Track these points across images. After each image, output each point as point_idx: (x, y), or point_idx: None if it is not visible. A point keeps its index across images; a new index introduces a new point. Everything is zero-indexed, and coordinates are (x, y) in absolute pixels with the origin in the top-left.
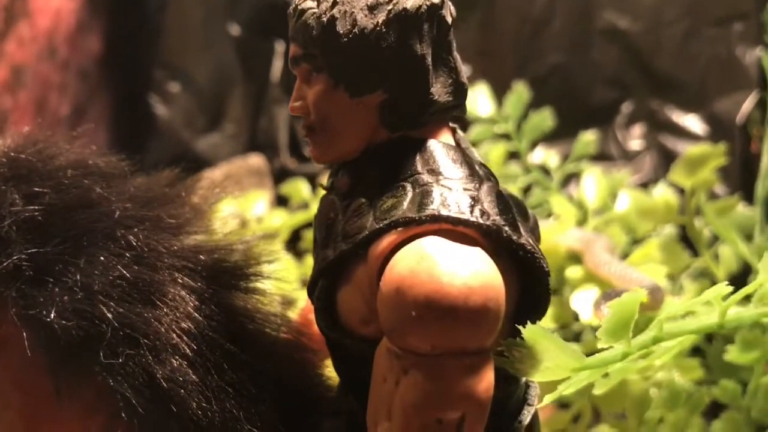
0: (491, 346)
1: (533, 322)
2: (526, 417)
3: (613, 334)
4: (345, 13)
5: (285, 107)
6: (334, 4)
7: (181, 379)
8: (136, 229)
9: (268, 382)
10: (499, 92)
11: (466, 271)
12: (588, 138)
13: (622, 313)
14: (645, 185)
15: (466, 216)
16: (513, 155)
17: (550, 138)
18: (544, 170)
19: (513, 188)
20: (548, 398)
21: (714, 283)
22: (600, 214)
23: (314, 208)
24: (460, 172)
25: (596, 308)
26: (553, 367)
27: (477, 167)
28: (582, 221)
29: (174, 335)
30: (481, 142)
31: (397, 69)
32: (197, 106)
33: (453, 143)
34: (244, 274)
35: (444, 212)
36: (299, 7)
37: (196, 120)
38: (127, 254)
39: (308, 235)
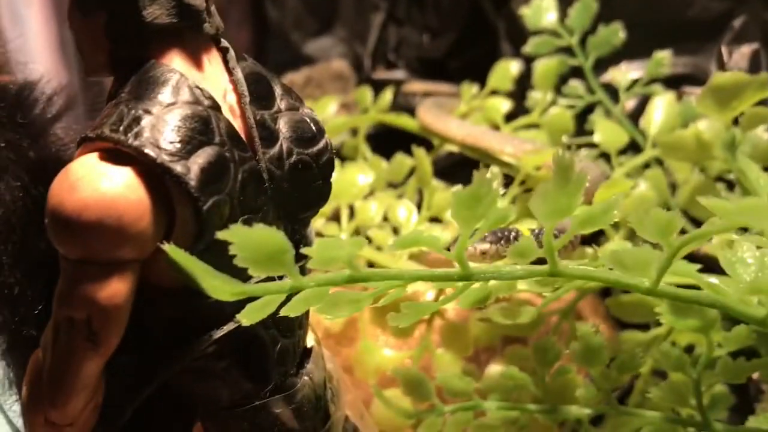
0: (131, 259)
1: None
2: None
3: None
4: None
5: (380, 13)
6: None
7: None
8: None
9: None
10: (569, 3)
11: (89, 188)
12: (661, 56)
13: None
14: None
15: (125, 138)
16: (577, 72)
17: (631, 59)
18: (613, 92)
19: (572, 110)
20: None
21: None
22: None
23: (372, 114)
24: (157, 95)
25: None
26: (214, 286)
27: (187, 91)
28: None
29: None
30: (541, 56)
31: None
32: (306, 9)
33: (179, 64)
34: None
35: (107, 132)
36: None
37: (306, 23)
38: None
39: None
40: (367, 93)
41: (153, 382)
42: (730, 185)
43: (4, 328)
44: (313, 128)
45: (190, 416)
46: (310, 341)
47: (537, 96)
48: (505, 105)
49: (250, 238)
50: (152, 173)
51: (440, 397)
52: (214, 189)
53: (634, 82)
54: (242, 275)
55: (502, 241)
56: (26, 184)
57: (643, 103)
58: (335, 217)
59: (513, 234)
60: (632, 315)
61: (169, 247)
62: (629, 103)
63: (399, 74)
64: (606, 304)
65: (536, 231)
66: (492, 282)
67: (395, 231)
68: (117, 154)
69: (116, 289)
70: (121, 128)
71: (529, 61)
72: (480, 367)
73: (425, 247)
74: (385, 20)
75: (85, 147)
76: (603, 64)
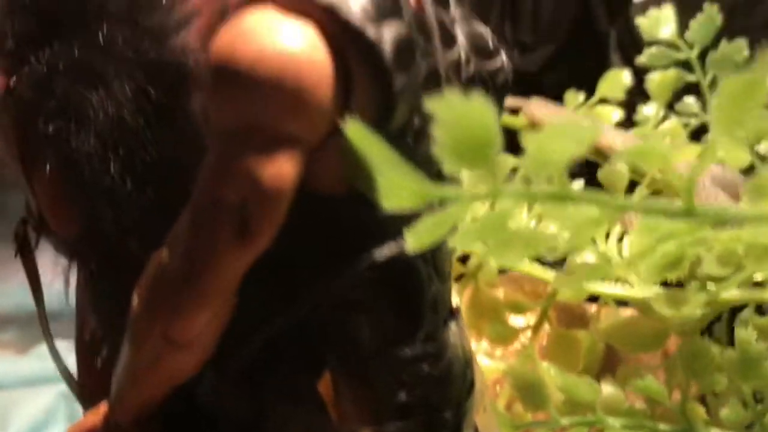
0: (302, 137)
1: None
2: None
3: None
4: None
5: None
6: None
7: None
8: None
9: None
10: (690, 15)
11: (266, 41)
12: None
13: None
14: None
15: None
16: (692, 89)
17: None
18: None
19: (685, 128)
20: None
21: None
22: None
23: None
24: None
25: None
26: (392, 187)
27: None
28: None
29: (99, 116)
30: (656, 68)
31: None
32: None
33: None
34: None
35: None
36: None
37: None
38: (90, 43)
39: None
40: None
41: (291, 313)
42: None
43: (103, 239)
44: (491, 43)
45: (320, 365)
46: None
47: (649, 109)
48: (616, 114)
49: (461, 117)
50: (337, 38)
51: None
52: (404, 69)
53: None
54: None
55: None
56: (143, 85)
57: None
58: None
59: None
60: None
61: (352, 125)
62: None
63: None
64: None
65: None
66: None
67: None
68: (298, 11)
69: (284, 168)
70: None
71: (640, 73)
72: None
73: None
74: None
75: (253, 3)
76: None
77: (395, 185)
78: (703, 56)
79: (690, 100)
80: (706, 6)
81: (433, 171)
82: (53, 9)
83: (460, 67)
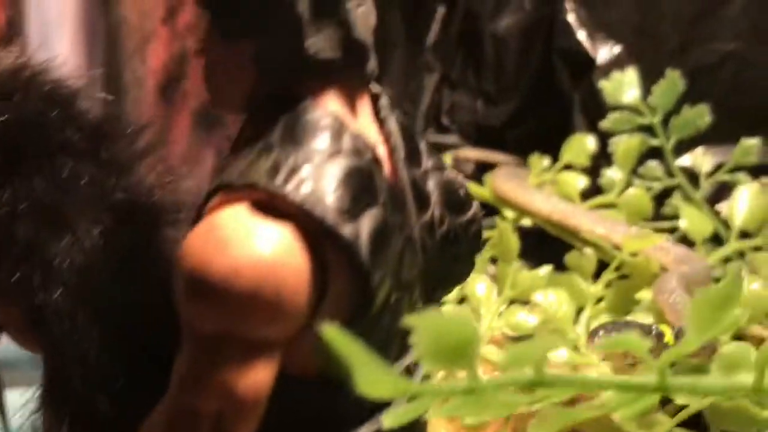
0: (279, 340)
1: (355, 327)
2: None
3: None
4: None
5: (434, 75)
6: None
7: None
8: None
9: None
10: (653, 80)
11: (242, 250)
12: (749, 144)
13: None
14: None
15: (286, 190)
16: (655, 153)
17: (710, 141)
18: (692, 177)
19: (648, 192)
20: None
21: None
22: (748, 239)
23: None
24: (315, 141)
25: (591, 337)
26: (373, 380)
27: (349, 139)
28: (719, 243)
29: (64, 265)
30: (619, 132)
31: (267, 15)
32: None
33: (336, 107)
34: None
35: (262, 182)
36: None
37: None
38: (53, 181)
39: None
40: None
41: None
42: None
43: (73, 396)
44: (463, 193)
45: None
46: None
47: (613, 174)
48: (581, 181)
49: (437, 326)
50: (312, 235)
51: None
52: (381, 260)
53: (718, 167)
54: None
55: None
56: (109, 228)
57: (719, 190)
58: None
59: (655, 331)
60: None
61: (328, 327)
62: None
63: (451, 139)
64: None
65: (677, 329)
66: None
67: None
68: (271, 209)
69: (260, 377)
70: (279, 178)
71: (603, 137)
72: None
73: (630, 349)
74: (438, 82)
75: (225, 196)
76: (681, 146)
77: (372, 379)
78: (666, 120)
79: (653, 164)
80: (668, 71)
81: (406, 342)
82: (15, 141)
83: (434, 228)
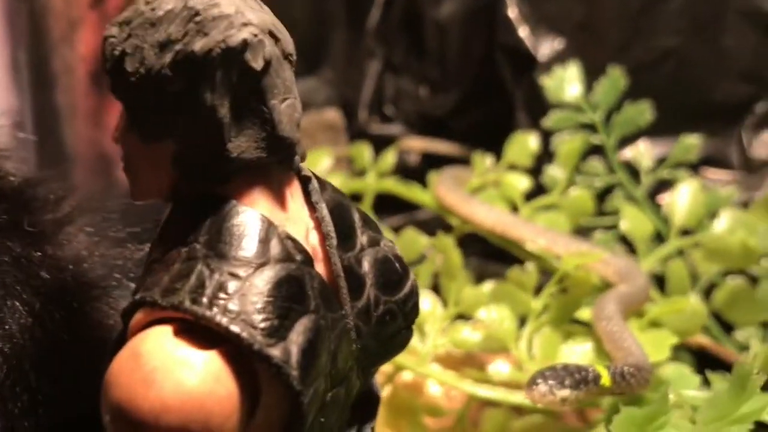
0: None
1: None
2: None
3: None
4: (136, 49)
5: (376, 60)
6: (128, 36)
7: None
8: None
9: None
10: (595, 75)
11: (169, 384)
12: (689, 141)
13: None
14: None
15: (211, 314)
16: (597, 149)
17: (652, 137)
18: (634, 172)
19: (590, 189)
20: None
21: None
22: (688, 236)
23: (371, 176)
24: (241, 251)
25: (529, 385)
26: None
27: (277, 243)
28: (661, 241)
29: None
30: (561, 130)
31: (186, 119)
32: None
33: (264, 205)
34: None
35: (187, 303)
36: (105, 34)
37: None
38: None
39: None
40: (365, 151)
41: None
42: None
43: None
44: (399, 268)
45: None
46: None
47: (556, 173)
48: (523, 182)
49: None
50: (240, 356)
51: None
52: (313, 373)
53: (659, 163)
54: None
55: (582, 385)
56: (38, 312)
57: (661, 183)
58: None
59: (591, 375)
60: None
61: None
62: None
63: (395, 129)
64: None
65: (613, 369)
66: None
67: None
68: (197, 332)
69: None
70: (204, 299)
71: (546, 134)
72: None
73: None
74: (381, 69)
75: (150, 314)
76: (623, 141)
77: None
78: (608, 116)
79: (595, 162)
80: (610, 68)
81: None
82: None
83: (370, 312)
